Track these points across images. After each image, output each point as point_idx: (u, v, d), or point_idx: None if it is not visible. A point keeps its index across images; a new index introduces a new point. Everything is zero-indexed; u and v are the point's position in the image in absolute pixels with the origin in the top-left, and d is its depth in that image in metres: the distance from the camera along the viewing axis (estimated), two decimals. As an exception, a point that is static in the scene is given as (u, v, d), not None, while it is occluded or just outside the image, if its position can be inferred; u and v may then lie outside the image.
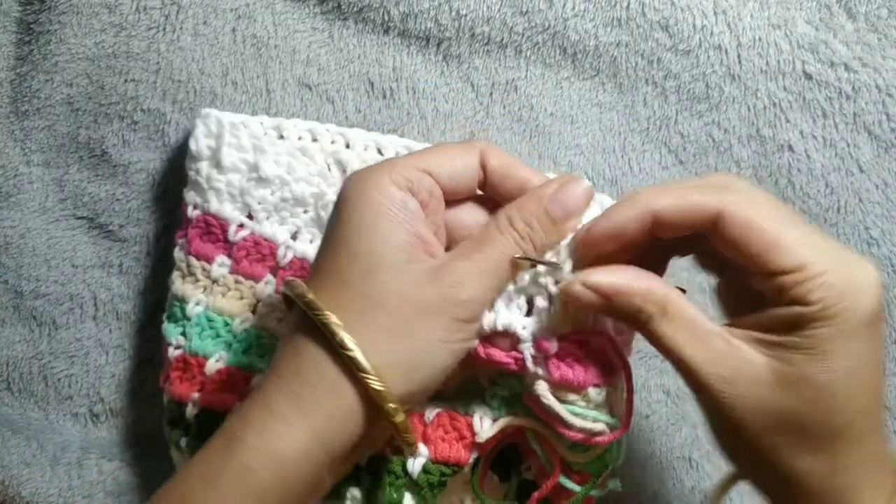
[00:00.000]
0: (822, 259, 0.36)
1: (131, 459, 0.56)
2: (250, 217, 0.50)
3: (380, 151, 0.52)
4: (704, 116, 0.56)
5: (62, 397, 0.57)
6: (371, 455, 0.44)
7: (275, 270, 0.50)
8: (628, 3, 0.55)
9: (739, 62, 0.55)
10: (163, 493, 0.38)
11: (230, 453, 0.37)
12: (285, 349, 0.39)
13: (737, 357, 0.38)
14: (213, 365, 0.48)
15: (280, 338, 0.42)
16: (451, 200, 0.43)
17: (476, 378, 0.45)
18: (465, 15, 0.55)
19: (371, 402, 0.37)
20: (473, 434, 0.44)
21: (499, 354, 0.42)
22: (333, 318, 0.37)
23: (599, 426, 0.42)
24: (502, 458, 0.47)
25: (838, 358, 0.36)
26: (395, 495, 0.43)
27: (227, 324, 0.50)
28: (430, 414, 0.44)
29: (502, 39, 0.55)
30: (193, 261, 0.50)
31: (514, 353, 0.42)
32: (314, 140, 0.52)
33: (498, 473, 0.47)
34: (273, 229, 0.50)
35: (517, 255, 0.41)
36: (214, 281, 0.50)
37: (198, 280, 0.50)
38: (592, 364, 0.42)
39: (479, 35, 0.55)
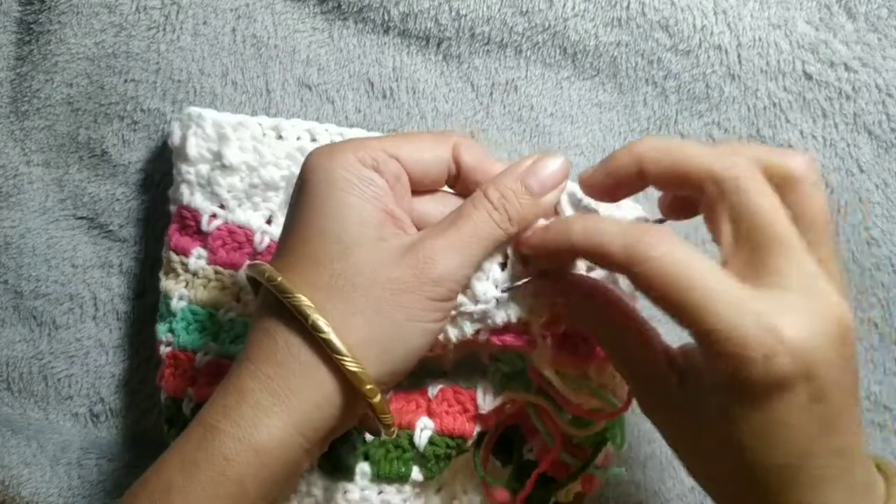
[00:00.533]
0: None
1: (131, 459, 0.56)
2: (223, 207, 0.50)
3: None
4: (704, 116, 0.56)
5: (62, 397, 0.57)
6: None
7: (253, 257, 0.50)
8: (628, 3, 0.55)
9: (739, 62, 0.55)
10: (143, 483, 0.38)
11: (207, 444, 0.36)
12: (256, 333, 0.38)
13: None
14: (203, 358, 0.48)
15: (251, 322, 0.41)
16: (418, 191, 0.42)
17: (476, 352, 0.46)
18: (465, 15, 0.55)
19: (348, 384, 0.37)
20: (476, 407, 0.45)
21: (512, 340, 0.42)
22: (305, 300, 0.36)
23: (597, 402, 0.42)
24: (504, 442, 0.47)
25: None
26: (402, 468, 0.44)
27: (211, 315, 0.49)
28: (434, 389, 0.45)
29: (502, 39, 0.55)
30: (173, 255, 0.50)
31: (526, 337, 0.42)
32: (313, 140, 0.52)
33: (500, 459, 0.48)
34: (246, 216, 0.49)
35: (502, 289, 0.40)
36: (194, 274, 0.50)
37: (178, 275, 0.50)
38: (595, 346, 0.42)
39: (479, 35, 0.55)
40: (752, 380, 0.34)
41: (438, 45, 0.56)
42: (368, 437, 0.45)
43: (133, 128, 0.55)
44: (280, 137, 0.51)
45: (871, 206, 0.56)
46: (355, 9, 0.55)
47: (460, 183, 0.42)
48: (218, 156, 0.49)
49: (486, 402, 0.45)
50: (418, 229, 0.41)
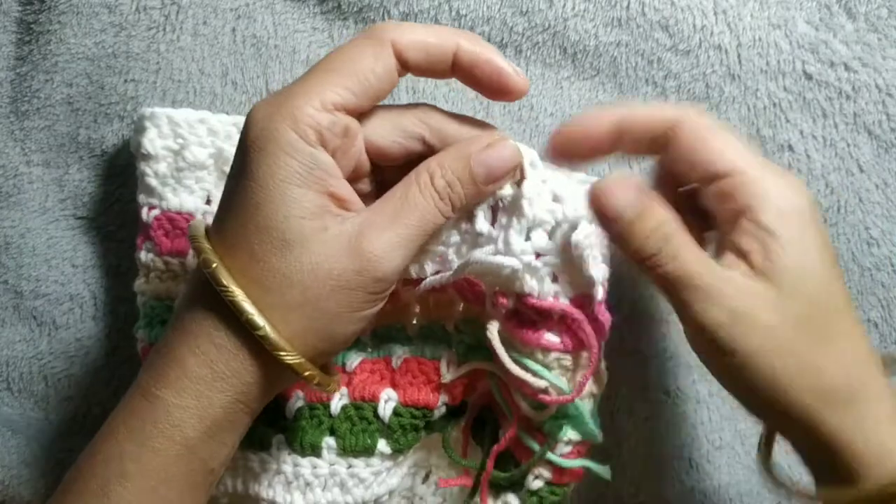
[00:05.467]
0: (755, 166, 0.40)
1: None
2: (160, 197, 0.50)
3: None
4: (704, 116, 0.56)
5: (62, 397, 0.57)
6: (343, 405, 0.45)
7: None
8: (628, 3, 0.55)
9: (739, 62, 0.55)
10: (91, 455, 0.38)
11: (154, 413, 0.37)
12: (194, 307, 0.38)
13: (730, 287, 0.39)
14: None
15: (187, 282, 0.41)
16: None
17: (441, 321, 0.46)
18: (465, 15, 0.55)
19: (288, 367, 0.37)
20: (440, 377, 0.46)
21: (469, 291, 0.43)
22: (241, 295, 0.36)
23: (542, 383, 0.42)
24: (481, 426, 0.48)
25: (793, 235, 0.39)
26: (368, 440, 0.45)
27: (169, 308, 0.49)
28: (398, 360, 0.46)
29: (502, 39, 0.55)
30: (170, 259, 0.50)
31: (482, 294, 0.43)
32: None
33: (480, 443, 0.49)
34: (181, 200, 0.49)
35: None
36: (147, 268, 0.50)
37: (138, 272, 0.50)
38: (549, 330, 0.42)
39: (478, 35, 0.55)
40: (805, 200, 0.40)
41: (438, 45, 0.56)
42: (334, 411, 0.45)
43: (133, 128, 0.55)
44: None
45: (871, 206, 0.56)
46: (355, 9, 0.55)
47: (413, 71, 0.39)
48: (137, 145, 0.49)
49: (449, 372, 0.46)
50: (370, 155, 0.40)
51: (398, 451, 0.47)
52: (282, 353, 0.36)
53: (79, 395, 0.57)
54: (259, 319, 0.36)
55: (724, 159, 0.40)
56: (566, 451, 0.46)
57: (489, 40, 0.55)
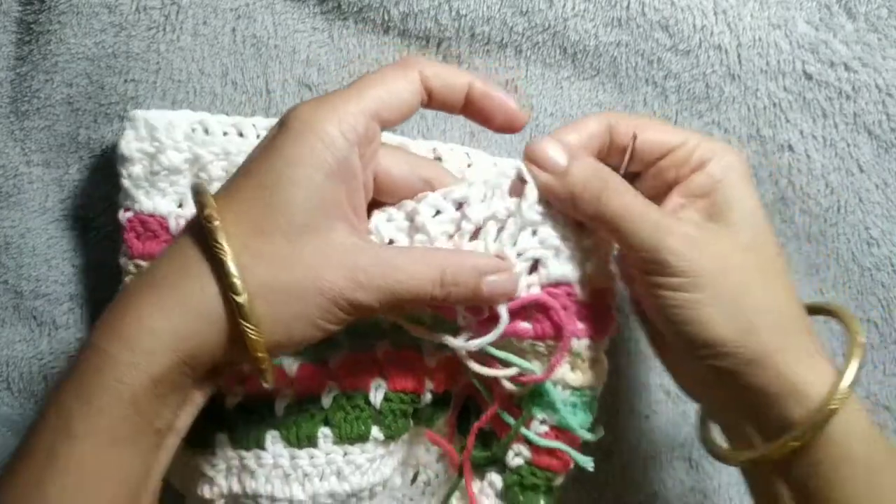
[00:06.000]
0: (699, 136, 0.45)
1: (131, 459, 0.57)
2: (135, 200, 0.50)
3: None
4: (704, 116, 0.56)
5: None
6: (334, 395, 0.46)
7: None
8: (628, 3, 0.55)
9: (739, 62, 0.55)
10: (43, 416, 0.38)
11: (102, 371, 0.37)
12: (174, 254, 0.38)
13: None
14: None
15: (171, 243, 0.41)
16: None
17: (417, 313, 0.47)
18: (465, 15, 0.55)
19: (243, 343, 0.37)
20: (424, 364, 0.47)
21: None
22: (231, 258, 0.36)
23: (512, 370, 0.45)
24: (467, 419, 0.49)
25: (737, 183, 0.44)
26: (362, 427, 0.46)
27: None
28: (381, 352, 0.47)
29: (502, 39, 0.55)
30: (141, 262, 0.50)
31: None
32: None
33: (465, 434, 0.50)
34: (154, 203, 0.49)
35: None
36: (125, 270, 0.50)
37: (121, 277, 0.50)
38: (522, 319, 0.44)
39: (478, 35, 0.55)
40: (744, 164, 0.45)
41: (438, 45, 0.56)
42: (325, 403, 0.46)
43: (127, 129, 0.55)
44: (241, 135, 0.50)
45: (871, 206, 0.57)
46: (355, 9, 0.55)
47: (434, 104, 0.43)
48: (194, 165, 0.49)
49: (430, 358, 0.47)
50: (378, 187, 0.42)
51: (390, 438, 0.48)
52: (249, 327, 0.37)
53: (79, 395, 0.57)
54: (242, 286, 0.36)
55: (674, 134, 0.45)
56: (542, 430, 0.47)
57: (489, 40, 0.55)
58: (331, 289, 0.38)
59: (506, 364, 0.45)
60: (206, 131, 0.50)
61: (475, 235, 0.43)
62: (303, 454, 0.46)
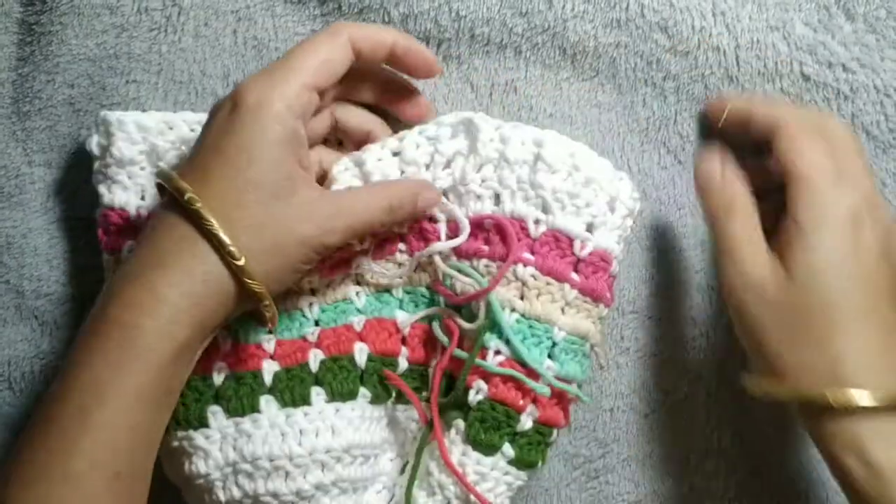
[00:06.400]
0: (815, 167, 0.47)
1: (132, 458, 0.57)
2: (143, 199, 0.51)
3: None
4: (703, 117, 0.56)
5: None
6: (321, 360, 0.50)
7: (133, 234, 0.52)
8: (627, 5, 0.55)
9: (738, 64, 0.55)
10: (67, 380, 0.42)
11: (131, 338, 0.41)
12: (164, 234, 0.43)
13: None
14: None
15: (152, 216, 0.46)
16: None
17: (389, 289, 0.53)
18: (465, 16, 0.55)
19: (245, 293, 0.43)
20: (399, 331, 0.52)
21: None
22: (223, 231, 0.42)
23: (467, 280, 0.50)
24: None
25: (822, 237, 0.45)
26: (351, 386, 0.50)
27: None
28: (359, 324, 0.51)
29: (502, 40, 0.56)
30: (108, 256, 0.52)
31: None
32: None
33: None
34: (113, 196, 0.51)
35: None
36: (108, 270, 0.52)
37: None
38: (484, 243, 0.50)
39: (478, 36, 0.55)
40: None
41: (438, 45, 0.56)
42: (313, 368, 0.50)
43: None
44: None
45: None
46: (355, 10, 0.55)
47: (361, 64, 0.49)
48: (152, 156, 0.51)
49: (404, 323, 0.52)
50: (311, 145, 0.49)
51: (376, 399, 0.51)
52: (253, 283, 0.43)
53: (80, 394, 0.57)
54: (238, 252, 0.42)
55: (795, 164, 0.47)
56: (497, 360, 0.49)
57: (489, 41, 0.56)
58: (306, 238, 0.44)
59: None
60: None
61: (447, 165, 0.51)
62: (298, 412, 0.49)
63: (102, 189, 0.51)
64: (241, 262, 0.42)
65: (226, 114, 0.44)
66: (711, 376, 0.57)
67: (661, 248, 0.57)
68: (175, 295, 0.42)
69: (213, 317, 0.43)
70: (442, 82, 0.56)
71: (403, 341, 0.53)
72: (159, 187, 0.46)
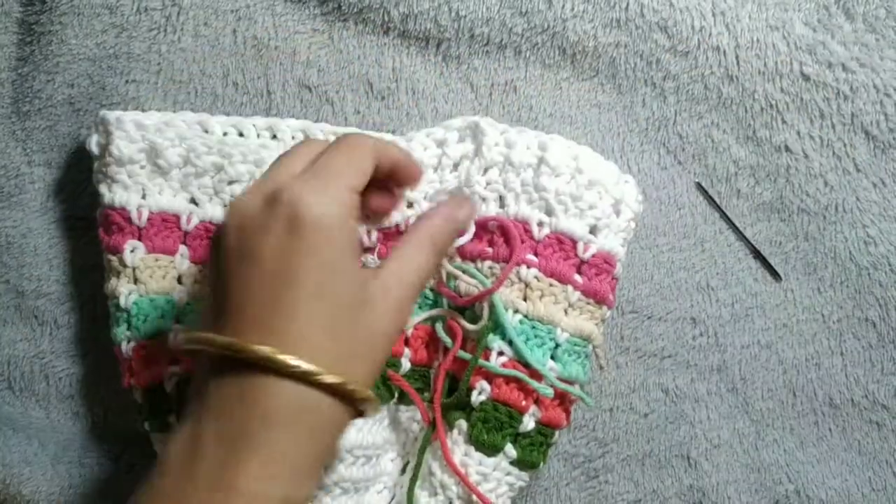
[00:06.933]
0: None
1: (131, 458, 0.57)
2: (144, 198, 0.51)
3: None
4: (703, 117, 0.56)
5: (63, 396, 0.57)
6: None
7: (184, 238, 0.52)
8: (627, 4, 0.55)
9: (738, 63, 0.55)
10: None
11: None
12: (233, 406, 0.38)
13: None
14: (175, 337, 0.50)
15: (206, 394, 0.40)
16: None
17: None
18: (465, 16, 0.55)
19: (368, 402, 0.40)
20: (402, 332, 0.52)
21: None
22: (334, 378, 0.38)
23: (471, 280, 0.50)
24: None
25: None
26: None
27: (168, 300, 0.51)
28: None
29: (501, 40, 0.56)
30: (110, 256, 0.51)
31: None
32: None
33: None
34: (113, 196, 0.51)
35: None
36: (135, 268, 0.51)
37: (120, 272, 0.51)
38: (489, 244, 0.51)
39: (478, 36, 0.55)
40: None
41: (438, 45, 0.56)
42: None
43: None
44: (274, 137, 0.53)
45: (868, 206, 0.57)
46: (355, 10, 0.55)
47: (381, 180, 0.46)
48: (151, 155, 0.51)
49: (407, 324, 0.52)
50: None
51: (379, 400, 0.50)
52: (364, 398, 0.40)
53: (80, 394, 0.57)
54: (338, 379, 0.38)
55: None
56: (500, 361, 0.49)
57: (488, 41, 0.56)
58: (391, 332, 0.42)
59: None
60: (206, 132, 0.52)
61: (454, 168, 0.52)
62: None
63: (103, 189, 0.51)
64: (355, 389, 0.39)
65: (283, 233, 0.39)
66: (711, 375, 0.57)
67: (661, 248, 0.57)
68: (297, 447, 0.39)
69: (338, 434, 0.41)
70: (442, 82, 0.56)
71: (406, 342, 0.53)
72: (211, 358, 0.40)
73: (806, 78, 0.55)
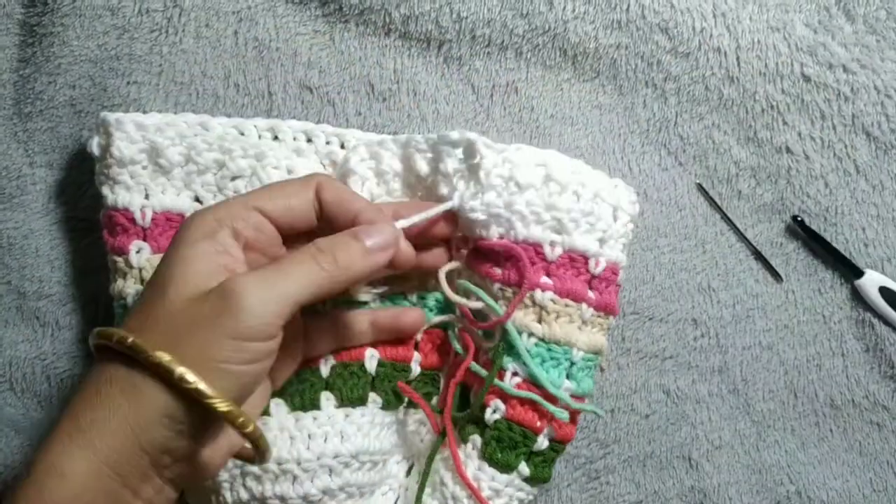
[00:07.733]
0: None
1: (134, 459, 0.57)
2: (147, 198, 0.51)
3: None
4: (704, 119, 0.56)
5: (65, 397, 0.57)
6: (332, 365, 0.50)
7: None
8: (628, 6, 0.55)
9: (738, 65, 0.55)
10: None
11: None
12: (103, 390, 0.39)
13: None
14: None
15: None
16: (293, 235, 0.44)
17: (402, 293, 0.52)
18: (466, 17, 0.55)
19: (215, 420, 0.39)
20: (412, 337, 0.52)
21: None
22: (165, 357, 0.37)
23: (478, 304, 0.49)
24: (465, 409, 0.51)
25: None
26: (360, 391, 0.50)
27: (122, 307, 0.51)
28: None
29: (503, 41, 0.56)
30: (116, 258, 0.51)
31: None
32: (308, 141, 0.53)
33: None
34: (116, 197, 0.51)
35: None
36: (141, 269, 0.51)
37: (125, 273, 0.51)
38: (496, 265, 0.50)
39: (479, 37, 0.56)
40: None
41: (439, 47, 0.56)
42: (324, 373, 0.49)
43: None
44: (276, 138, 0.52)
45: (867, 207, 0.57)
46: (356, 11, 0.55)
47: (323, 220, 0.44)
48: (152, 154, 0.51)
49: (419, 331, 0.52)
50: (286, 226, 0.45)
51: (387, 405, 0.50)
52: (214, 401, 0.38)
53: (82, 395, 0.57)
54: (189, 374, 0.37)
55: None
56: (514, 382, 0.49)
57: (489, 42, 0.56)
58: (200, 314, 0.39)
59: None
60: (207, 132, 0.51)
61: (449, 182, 0.49)
62: (307, 416, 0.49)
63: (106, 191, 0.51)
64: (227, 407, 0.38)
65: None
66: (712, 376, 0.57)
67: (663, 249, 0.57)
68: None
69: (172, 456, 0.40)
70: (443, 84, 0.56)
71: (416, 346, 0.52)
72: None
73: (807, 79, 0.55)
